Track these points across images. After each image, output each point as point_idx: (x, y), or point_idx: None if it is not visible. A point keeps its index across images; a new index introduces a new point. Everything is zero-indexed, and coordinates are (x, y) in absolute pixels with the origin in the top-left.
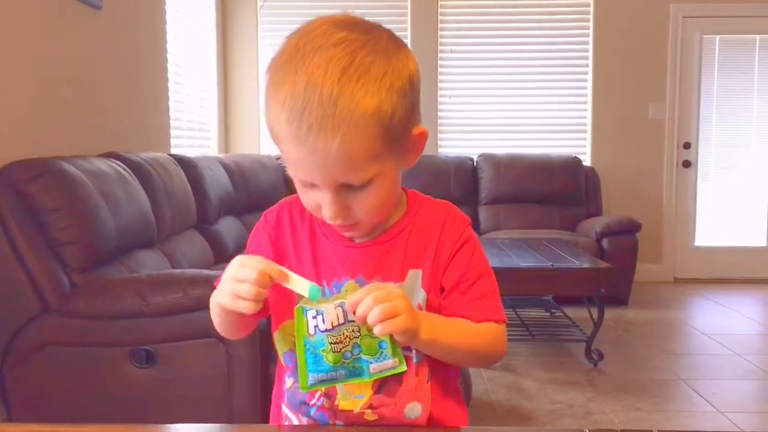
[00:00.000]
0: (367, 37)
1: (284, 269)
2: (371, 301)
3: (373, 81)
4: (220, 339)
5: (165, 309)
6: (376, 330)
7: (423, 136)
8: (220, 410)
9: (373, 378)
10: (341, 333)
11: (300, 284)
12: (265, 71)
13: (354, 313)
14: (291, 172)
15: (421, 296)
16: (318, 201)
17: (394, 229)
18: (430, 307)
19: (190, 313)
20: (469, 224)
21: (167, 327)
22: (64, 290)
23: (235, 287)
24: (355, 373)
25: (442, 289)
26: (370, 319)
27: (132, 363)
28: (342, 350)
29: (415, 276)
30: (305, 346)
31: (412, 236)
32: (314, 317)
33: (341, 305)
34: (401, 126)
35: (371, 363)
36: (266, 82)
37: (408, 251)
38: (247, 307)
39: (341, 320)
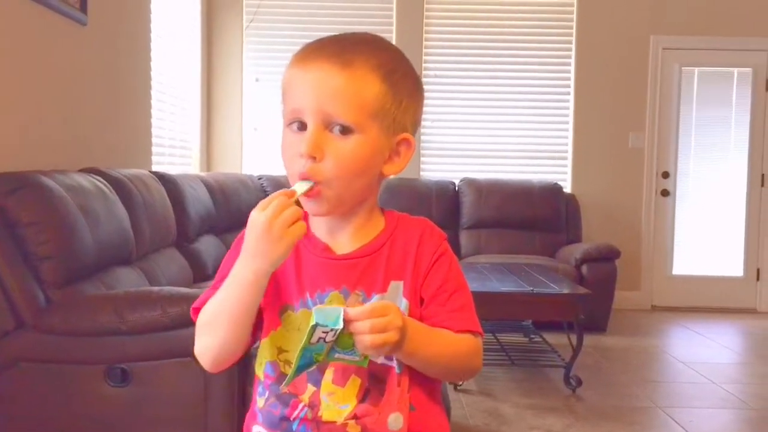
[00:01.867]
0: (399, 50)
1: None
2: (368, 328)
3: (390, 60)
4: None
5: (142, 327)
6: (361, 350)
7: (409, 145)
8: (195, 431)
9: (335, 361)
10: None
11: (299, 188)
12: None
13: (348, 321)
14: (285, 112)
15: (403, 305)
16: (298, 148)
17: (375, 243)
18: (412, 316)
19: (167, 331)
20: (445, 239)
21: (144, 345)
22: (39, 306)
23: (282, 219)
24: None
25: (422, 300)
26: (361, 346)
27: (107, 381)
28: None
29: (397, 287)
30: (303, 353)
31: (392, 250)
32: (324, 332)
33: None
34: (393, 107)
35: (338, 353)
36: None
37: (389, 264)
38: (301, 228)
39: (345, 332)
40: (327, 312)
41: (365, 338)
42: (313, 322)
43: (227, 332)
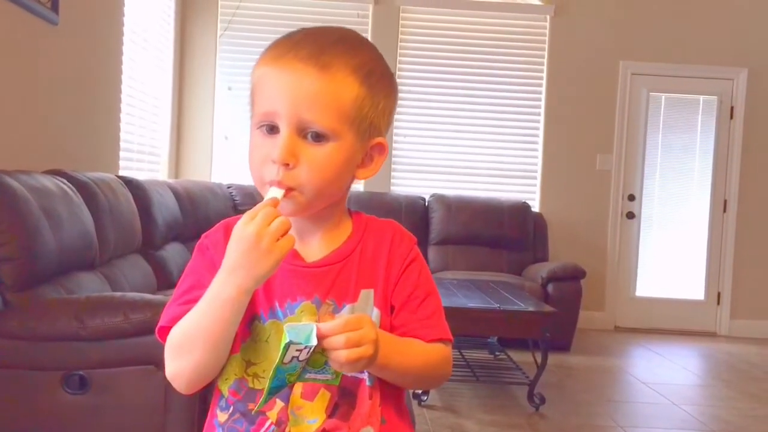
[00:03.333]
0: (375, 47)
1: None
2: (342, 343)
3: (369, 60)
4: (158, 366)
5: (103, 333)
6: (336, 367)
7: (382, 149)
8: None
9: (306, 381)
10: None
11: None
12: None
13: (321, 337)
14: (255, 113)
15: (374, 315)
16: (269, 153)
17: (344, 249)
18: (383, 326)
19: (128, 338)
20: (416, 243)
21: (104, 352)
22: None
23: (272, 230)
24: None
25: (392, 308)
26: (335, 363)
27: (64, 389)
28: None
29: (367, 296)
30: (277, 373)
31: (363, 256)
32: (298, 350)
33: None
34: (370, 110)
35: (309, 373)
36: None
37: (360, 271)
38: (289, 241)
39: (317, 349)
40: (299, 329)
41: (340, 354)
42: (286, 341)
43: (204, 354)
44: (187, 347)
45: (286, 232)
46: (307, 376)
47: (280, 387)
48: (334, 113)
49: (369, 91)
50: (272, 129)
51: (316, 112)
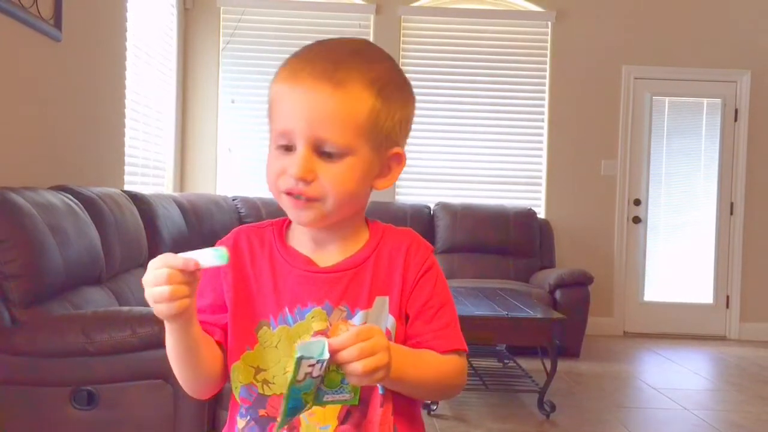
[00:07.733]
0: (391, 58)
1: (187, 255)
2: (356, 354)
3: (384, 72)
4: (167, 380)
5: (110, 347)
6: (354, 381)
7: (400, 159)
8: None
9: (325, 404)
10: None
11: (207, 259)
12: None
13: (333, 351)
14: (272, 130)
15: (390, 322)
16: (286, 167)
17: (360, 255)
18: (398, 335)
19: (136, 352)
20: (432, 251)
21: (112, 366)
22: (5, 326)
23: (150, 293)
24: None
25: (407, 317)
26: (353, 376)
27: (72, 404)
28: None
29: (382, 303)
30: (291, 392)
31: (378, 263)
32: (311, 366)
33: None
34: (386, 122)
35: (327, 394)
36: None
37: (374, 278)
38: (167, 309)
39: (331, 366)
40: (310, 345)
41: (356, 366)
42: (298, 355)
43: (180, 372)
44: (171, 365)
45: (164, 300)
46: (325, 398)
47: (296, 408)
48: (350, 130)
49: (384, 103)
50: (289, 148)
51: (331, 130)
